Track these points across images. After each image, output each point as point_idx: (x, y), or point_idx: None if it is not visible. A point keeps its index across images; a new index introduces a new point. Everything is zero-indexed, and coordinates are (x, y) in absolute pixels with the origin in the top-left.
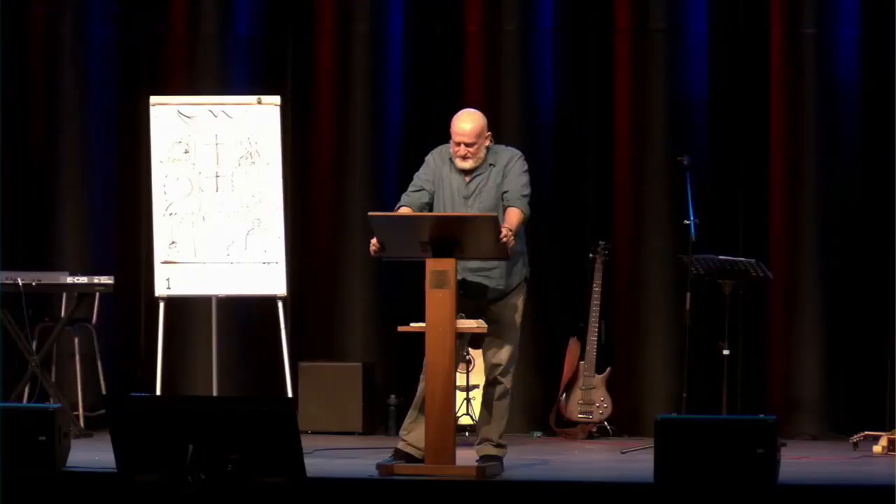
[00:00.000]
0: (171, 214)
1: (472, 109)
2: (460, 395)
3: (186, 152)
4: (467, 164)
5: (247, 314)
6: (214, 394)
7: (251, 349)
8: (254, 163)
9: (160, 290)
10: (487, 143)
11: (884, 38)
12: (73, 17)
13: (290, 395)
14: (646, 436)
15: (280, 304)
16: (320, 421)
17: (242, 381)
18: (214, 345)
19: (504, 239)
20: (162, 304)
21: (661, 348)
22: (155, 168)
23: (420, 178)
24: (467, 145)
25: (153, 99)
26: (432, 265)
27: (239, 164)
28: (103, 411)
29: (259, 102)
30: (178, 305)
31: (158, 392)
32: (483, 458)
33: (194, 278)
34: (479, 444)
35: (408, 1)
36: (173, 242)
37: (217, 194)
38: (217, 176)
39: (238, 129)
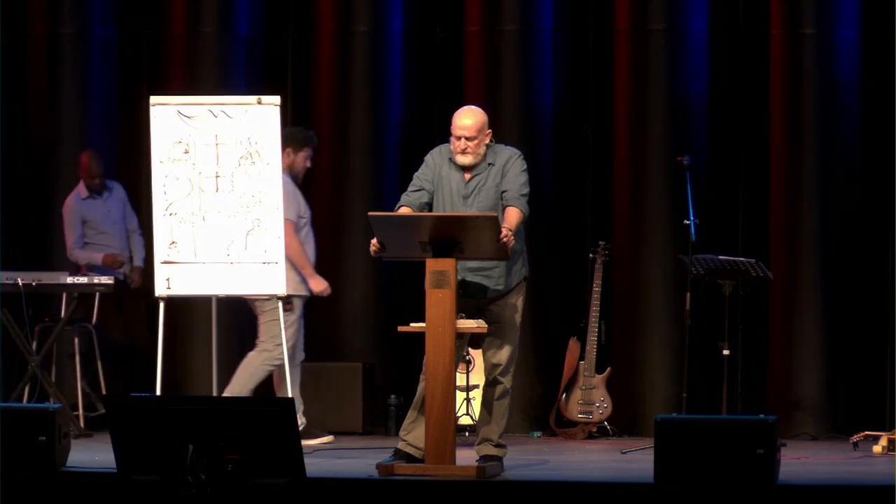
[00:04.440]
0: (171, 214)
1: (473, 106)
2: (460, 395)
3: (186, 152)
4: (467, 160)
5: (247, 314)
6: (214, 394)
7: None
8: (254, 163)
9: (160, 290)
10: (488, 140)
11: (884, 39)
12: (73, 17)
13: (289, 394)
14: (646, 436)
15: (280, 305)
16: (320, 421)
17: None
18: (215, 345)
19: (504, 239)
20: (162, 304)
21: (661, 348)
22: (155, 168)
23: (420, 177)
24: (468, 139)
25: (153, 99)
26: (432, 265)
27: (239, 165)
28: (103, 411)
29: (259, 102)
30: (178, 305)
31: (158, 392)
32: (483, 458)
33: (194, 278)
34: (479, 444)
35: (408, 1)
36: (173, 242)
37: (217, 194)
38: (217, 176)
39: (238, 129)
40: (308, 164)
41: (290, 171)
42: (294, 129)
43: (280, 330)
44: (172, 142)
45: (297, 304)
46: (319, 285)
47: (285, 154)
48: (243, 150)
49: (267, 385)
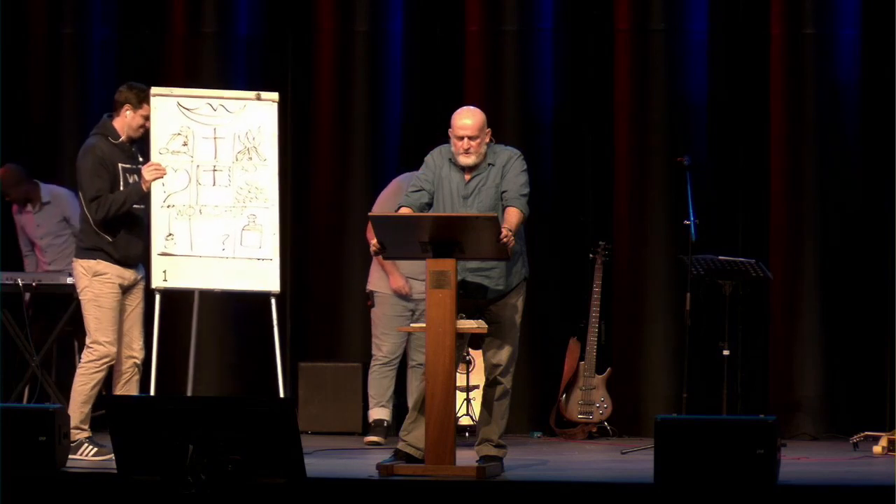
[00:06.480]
0: (168, 206)
1: (471, 106)
2: (460, 395)
3: (185, 144)
4: (470, 160)
5: (247, 314)
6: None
7: (251, 349)
8: (251, 158)
9: (157, 281)
10: (487, 139)
11: (884, 39)
12: (73, 17)
13: (282, 393)
14: (646, 436)
15: (273, 301)
16: (320, 421)
17: (242, 381)
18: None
19: (504, 239)
20: (158, 296)
21: (661, 348)
22: (154, 159)
23: (420, 178)
24: (470, 138)
25: (154, 90)
26: (432, 265)
27: (236, 159)
28: (103, 411)
29: (258, 98)
30: (179, 306)
31: (153, 387)
32: (483, 459)
33: (190, 271)
34: (479, 444)
35: (408, 1)
36: (170, 235)
37: (214, 188)
38: (215, 170)
39: (236, 124)
40: None
41: None
42: None
43: (374, 328)
44: (171, 133)
45: (383, 301)
46: (396, 282)
47: None
48: (241, 146)
49: (267, 385)
